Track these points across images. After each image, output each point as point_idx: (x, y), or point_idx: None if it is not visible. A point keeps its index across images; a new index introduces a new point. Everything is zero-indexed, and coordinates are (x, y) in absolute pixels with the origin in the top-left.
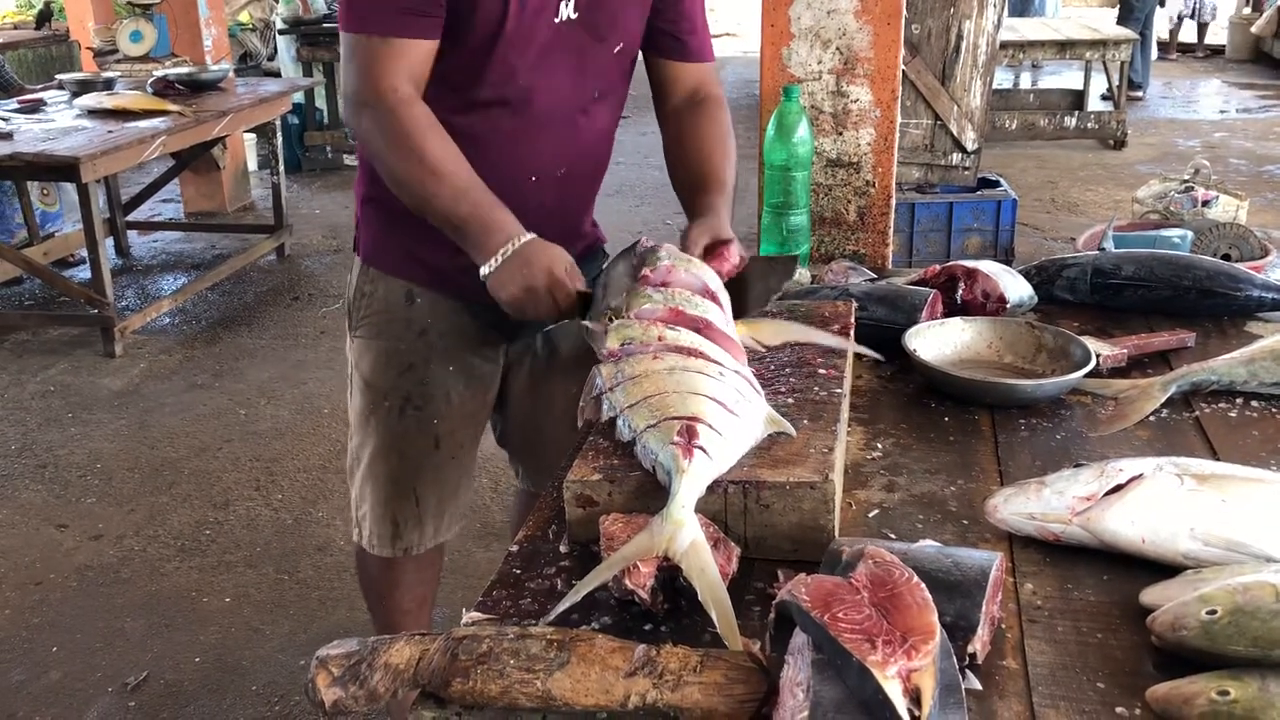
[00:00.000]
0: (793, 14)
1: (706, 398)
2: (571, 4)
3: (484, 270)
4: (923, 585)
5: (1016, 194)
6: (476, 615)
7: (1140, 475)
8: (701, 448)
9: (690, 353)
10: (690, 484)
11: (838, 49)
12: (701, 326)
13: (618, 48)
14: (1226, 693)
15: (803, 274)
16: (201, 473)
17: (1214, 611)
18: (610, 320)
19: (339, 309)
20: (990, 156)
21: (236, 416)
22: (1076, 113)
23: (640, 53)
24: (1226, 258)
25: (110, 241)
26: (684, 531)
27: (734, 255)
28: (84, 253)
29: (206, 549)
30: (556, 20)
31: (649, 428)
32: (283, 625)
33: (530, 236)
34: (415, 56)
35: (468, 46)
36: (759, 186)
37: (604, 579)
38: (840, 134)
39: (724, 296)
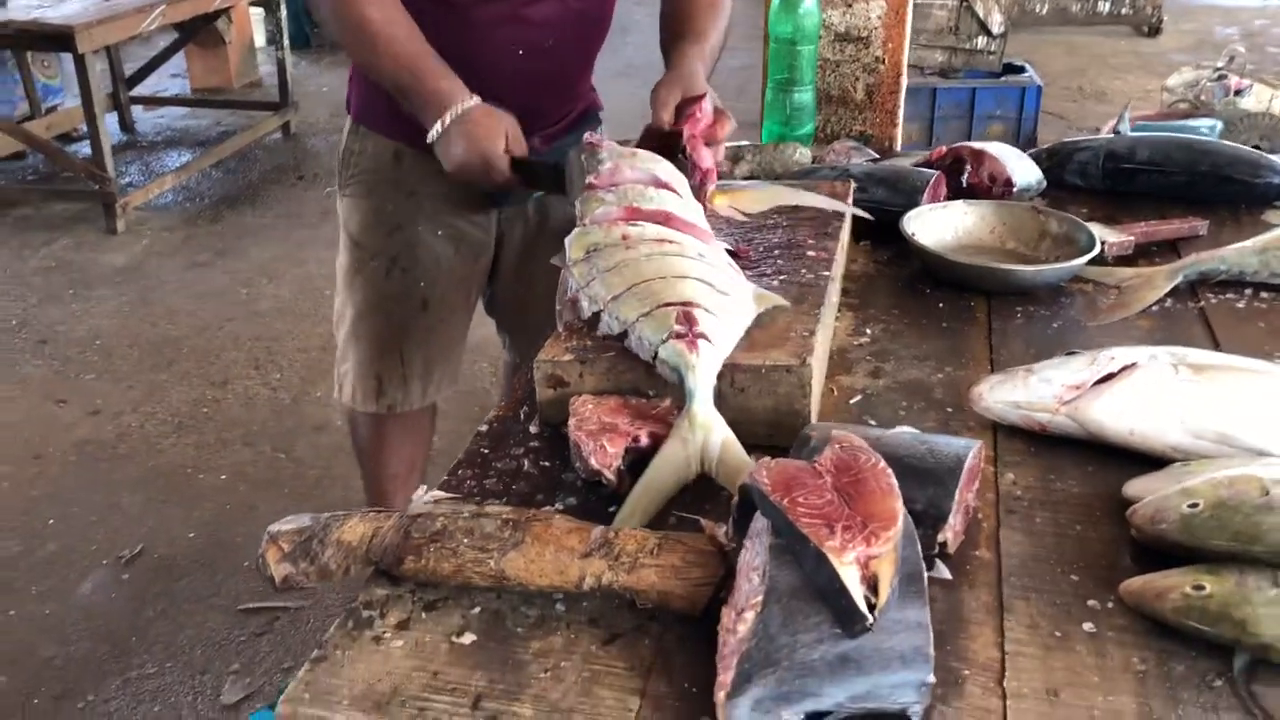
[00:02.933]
0: None
1: (694, 280)
2: None
3: (429, 139)
4: (889, 471)
5: (1043, 81)
6: (437, 493)
7: (1133, 364)
8: (703, 334)
9: (661, 241)
10: (703, 377)
11: None
12: (662, 219)
13: None
14: (1202, 587)
15: (804, 154)
16: (201, 351)
17: (1196, 505)
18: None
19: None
20: (1018, 42)
21: (238, 295)
22: None
23: None
24: (1257, 148)
25: (114, 116)
26: (714, 433)
27: (707, 112)
28: (86, 127)
29: (204, 426)
30: None
31: (641, 317)
32: (277, 503)
33: (470, 104)
34: None
35: None
36: (763, 62)
37: (651, 500)
38: (850, 6)
39: (679, 181)
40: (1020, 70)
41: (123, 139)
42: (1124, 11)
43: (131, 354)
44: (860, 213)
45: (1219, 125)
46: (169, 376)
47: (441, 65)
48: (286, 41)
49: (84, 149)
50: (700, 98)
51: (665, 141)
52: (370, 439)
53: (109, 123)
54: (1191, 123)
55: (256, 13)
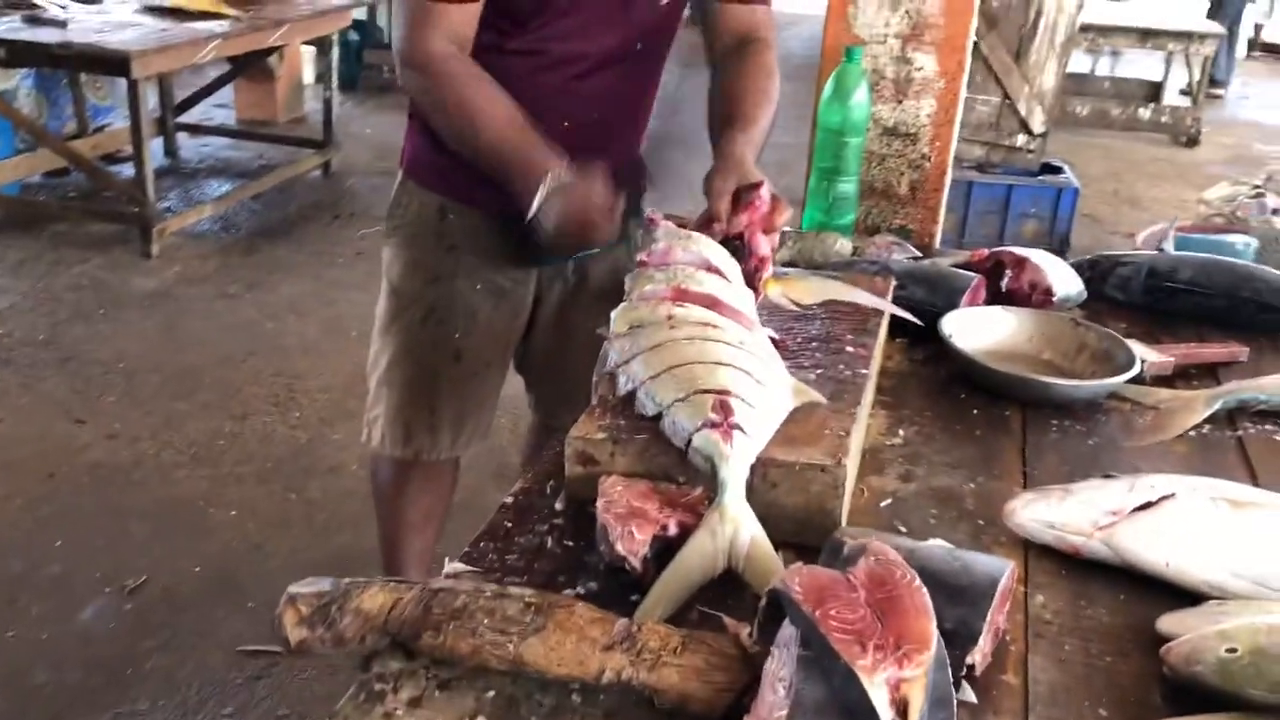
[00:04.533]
0: None
1: (733, 368)
2: None
3: (533, 208)
4: (924, 590)
5: (1080, 183)
6: (459, 566)
7: (1172, 494)
8: (739, 426)
9: (705, 325)
10: (736, 470)
11: (907, 12)
12: (709, 303)
13: (665, 0)
14: None
15: (844, 244)
16: (223, 382)
17: (1234, 649)
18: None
19: (379, 232)
20: (1057, 142)
21: (264, 329)
22: (1152, 105)
23: None
24: None
25: (159, 141)
26: (744, 529)
27: (765, 200)
28: (131, 150)
29: (219, 459)
30: None
31: (677, 401)
32: (285, 543)
33: (569, 172)
34: (459, 18)
35: (512, 3)
36: (810, 149)
37: (676, 592)
38: (900, 102)
39: (731, 268)
40: (1058, 171)
41: (165, 164)
42: (1164, 120)
43: (153, 379)
44: (909, 317)
45: (1254, 243)
46: (189, 406)
47: (538, 138)
48: (335, 82)
49: (126, 170)
50: (759, 185)
51: (724, 239)
52: (391, 485)
53: (154, 147)
54: (1227, 239)
55: (308, 51)
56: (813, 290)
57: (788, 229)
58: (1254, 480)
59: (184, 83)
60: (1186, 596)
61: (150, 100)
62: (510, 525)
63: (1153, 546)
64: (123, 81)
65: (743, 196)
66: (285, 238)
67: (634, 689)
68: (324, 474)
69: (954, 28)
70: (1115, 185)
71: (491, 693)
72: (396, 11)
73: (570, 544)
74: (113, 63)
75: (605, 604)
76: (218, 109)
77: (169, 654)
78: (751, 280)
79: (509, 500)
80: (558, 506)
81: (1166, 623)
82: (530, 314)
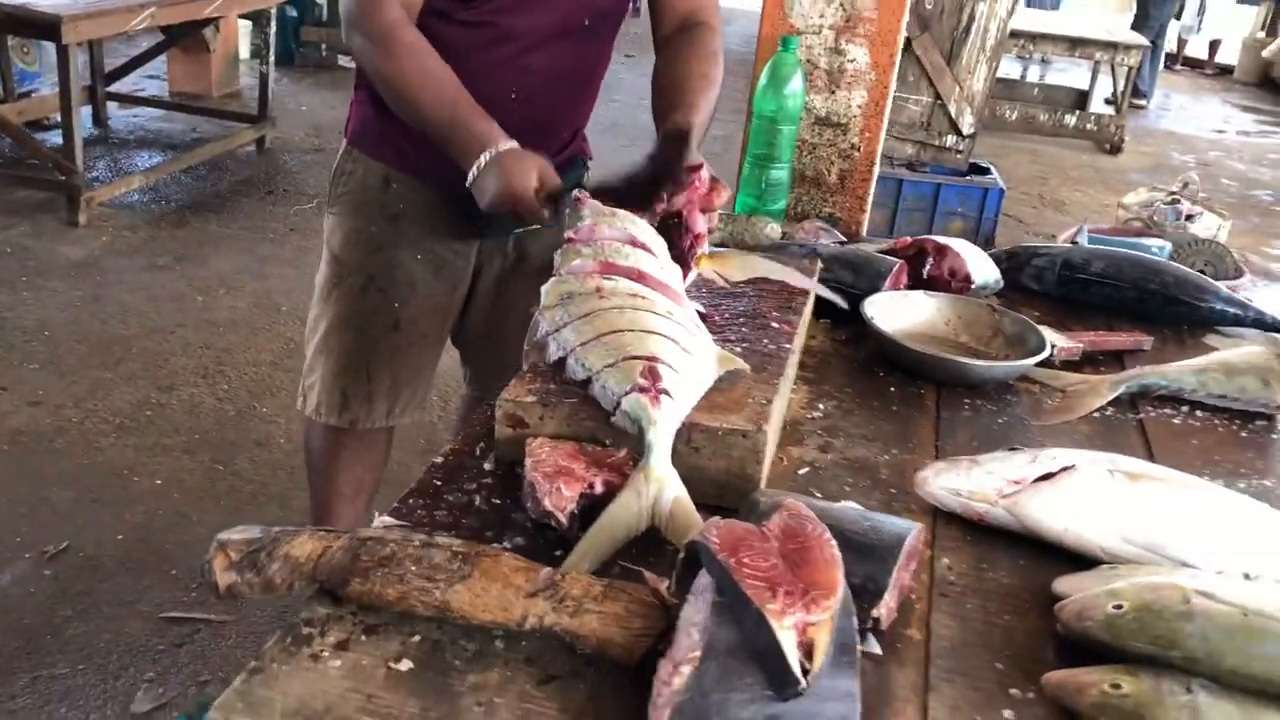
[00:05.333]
0: None
1: (661, 336)
2: None
3: (469, 178)
4: (833, 542)
5: (1006, 185)
6: (388, 520)
7: (1073, 466)
8: (666, 390)
9: (633, 296)
10: (663, 433)
11: (841, 5)
12: (635, 276)
13: None
14: (1119, 686)
15: (774, 229)
16: (150, 353)
17: (1120, 606)
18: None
19: (311, 209)
20: (986, 144)
21: (193, 302)
22: (1078, 112)
23: None
24: (1202, 273)
25: (88, 110)
26: (667, 489)
27: (705, 181)
28: (59, 117)
29: (144, 429)
30: None
31: (607, 366)
32: (211, 514)
33: (508, 146)
34: None
35: None
36: (744, 138)
37: (600, 548)
38: (833, 92)
39: (656, 243)
40: (985, 171)
41: (94, 133)
42: (1089, 127)
43: (79, 348)
44: (834, 297)
45: (1168, 246)
46: (115, 375)
47: (480, 110)
48: (272, 57)
49: (53, 138)
50: (699, 166)
51: (663, 216)
52: (325, 453)
53: (83, 116)
54: (1144, 241)
55: (245, 25)
56: (743, 267)
57: (722, 211)
58: (1150, 458)
59: (116, 52)
60: (1083, 561)
61: (81, 68)
62: (439, 484)
63: (1052, 514)
64: (51, 49)
65: (682, 178)
66: (217, 212)
67: (556, 635)
68: (252, 447)
69: (886, 22)
70: (1040, 188)
71: (417, 638)
72: None
73: (498, 502)
74: (43, 26)
75: (532, 559)
76: (150, 80)
77: (89, 620)
78: (685, 256)
79: (439, 460)
80: (486, 467)
81: (1062, 584)
82: (469, 287)
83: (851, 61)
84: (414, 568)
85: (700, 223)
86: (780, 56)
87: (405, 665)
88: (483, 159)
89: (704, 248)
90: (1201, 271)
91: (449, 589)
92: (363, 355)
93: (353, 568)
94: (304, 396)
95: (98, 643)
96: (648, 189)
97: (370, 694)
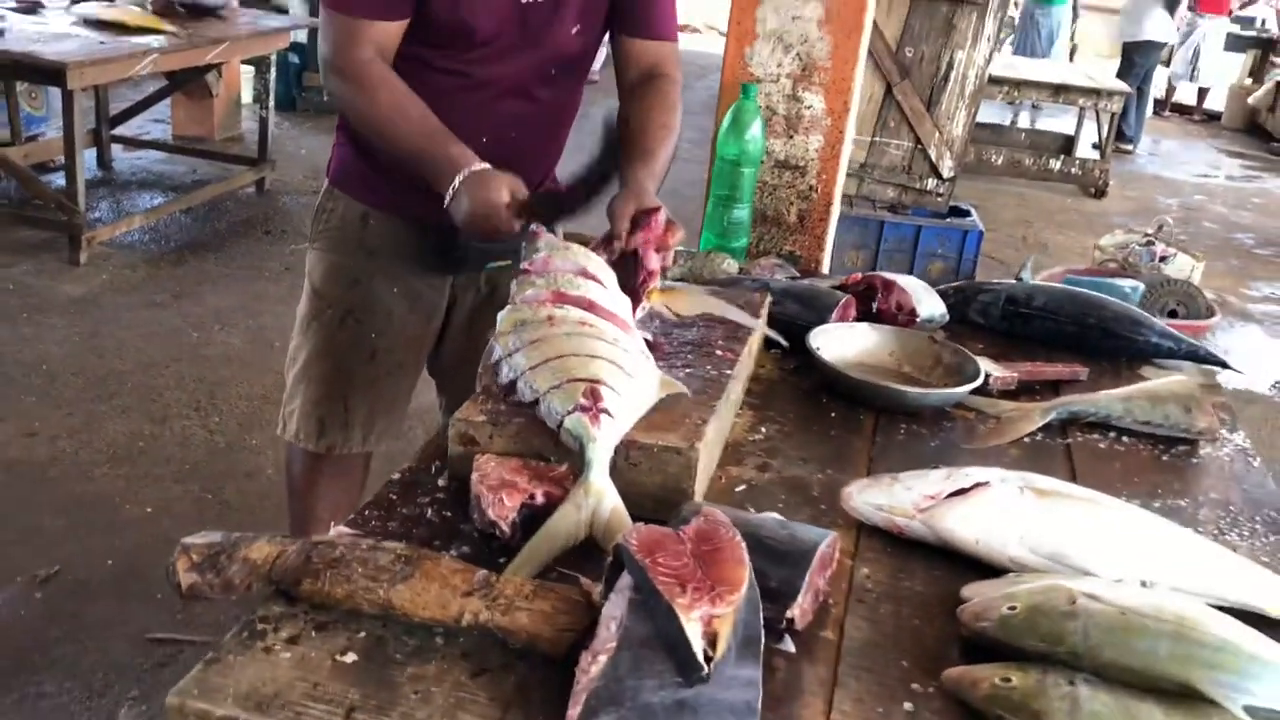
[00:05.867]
0: (759, 15)
1: (605, 360)
2: None
3: (445, 199)
4: (743, 544)
5: (990, 228)
6: (343, 530)
7: (986, 482)
8: (606, 410)
9: (582, 324)
10: (602, 450)
11: (798, 54)
12: (585, 305)
13: (575, 29)
14: (1009, 680)
15: (731, 264)
16: (144, 387)
17: (1014, 607)
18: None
19: (307, 249)
20: (973, 188)
21: (188, 338)
22: (1063, 157)
23: (610, 30)
24: (1174, 313)
25: (93, 153)
26: (605, 501)
27: (660, 222)
28: (64, 159)
29: (137, 460)
30: (522, 1)
31: (552, 389)
32: None
33: (480, 167)
34: (384, 34)
35: (434, 21)
36: (708, 179)
37: (541, 555)
38: (791, 137)
39: (606, 275)
40: (965, 213)
41: (98, 175)
42: (1074, 171)
43: (75, 382)
44: (774, 335)
45: (1141, 287)
46: (109, 408)
47: (452, 136)
48: (272, 102)
49: (58, 180)
50: (656, 209)
51: (622, 256)
52: (303, 477)
53: (87, 158)
54: (1118, 282)
55: (247, 70)
56: (692, 304)
57: (681, 248)
58: (1074, 480)
59: (122, 96)
60: (993, 570)
61: (86, 112)
62: (395, 497)
63: (964, 526)
64: (58, 93)
65: (640, 219)
66: (215, 251)
67: (490, 631)
68: (241, 477)
69: (840, 71)
70: (1024, 231)
71: (362, 633)
72: (324, 24)
73: (448, 514)
74: (48, 72)
75: (476, 565)
76: (154, 124)
77: (77, 641)
78: (638, 290)
79: (396, 477)
80: (440, 483)
81: (969, 590)
82: (444, 320)
83: (809, 108)
84: (360, 569)
85: (654, 260)
86: (741, 103)
87: (350, 658)
88: (457, 180)
89: (656, 283)
90: (1173, 312)
91: (391, 588)
92: (340, 384)
93: (305, 569)
94: (284, 422)
95: (84, 662)
96: (585, 190)
97: (316, 682)
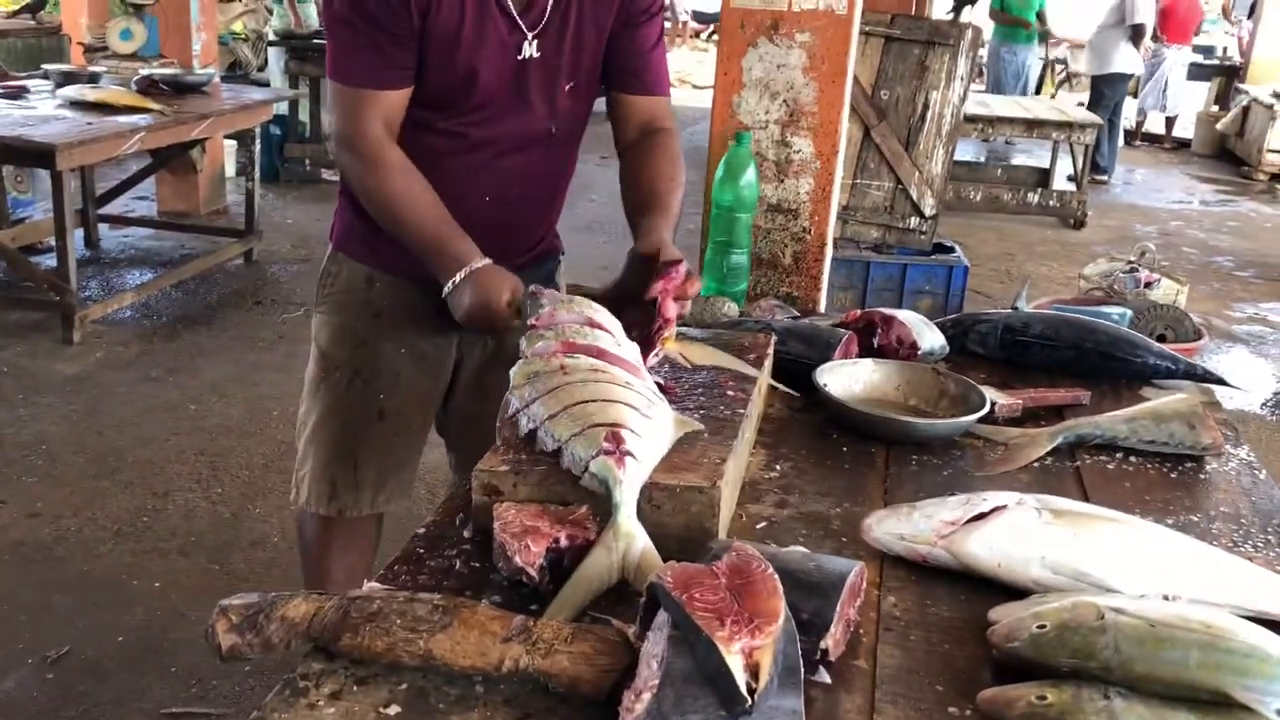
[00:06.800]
0: (745, 64)
1: (622, 404)
2: (535, 44)
3: (444, 292)
4: (776, 577)
5: (973, 262)
6: (375, 585)
7: (1003, 506)
8: (630, 453)
9: (595, 371)
10: (628, 491)
11: (785, 101)
12: (595, 353)
13: (569, 85)
14: (1044, 697)
15: (731, 307)
16: (145, 462)
17: (1044, 626)
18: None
19: (299, 316)
20: (954, 225)
21: (186, 411)
22: (1040, 190)
23: (605, 88)
24: (1162, 338)
25: (80, 233)
26: (635, 543)
27: (681, 273)
28: (53, 241)
29: (142, 535)
30: (520, 58)
31: (574, 435)
32: (208, 612)
33: (482, 264)
34: (389, 104)
35: (433, 84)
36: (704, 226)
37: (576, 599)
38: (782, 181)
39: (612, 323)
40: (949, 250)
41: (86, 254)
42: (1051, 204)
43: (76, 460)
44: (783, 387)
45: (1128, 313)
46: (111, 484)
47: (457, 229)
48: (258, 174)
49: (46, 261)
50: (678, 261)
51: (640, 304)
52: (316, 542)
53: (75, 239)
54: (1105, 309)
55: (230, 144)
56: (705, 355)
57: None
58: (1086, 501)
59: (106, 176)
60: (1017, 593)
61: (71, 191)
62: (422, 551)
63: (985, 550)
64: (42, 175)
65: (662, 269)
66: (207, 324)
67: (530, 676)
68: (247, 547)
69: (827, 114)
70: (1008, 264)
71: (404, 685)
72: (332, 97)
73: (476, 565)
74: (38, 155)
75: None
76: (139, 201)
77: None
78: (653, 337)
79: (421, 531)
80: (465, 534)
81: (996, 613)
82: (451, 378)
83: (798, 152)
84: (399, 621)
85: (671, 309)
86: (734, 151)
87: (394, 710)
88: (459, 276)
89: (671, 331)
90: (1161, 336)
91: (431, 639)
92: (349, 445)
93: (344, 624)
94: (296, 488)
95: None
96: (621, 304)
97: None
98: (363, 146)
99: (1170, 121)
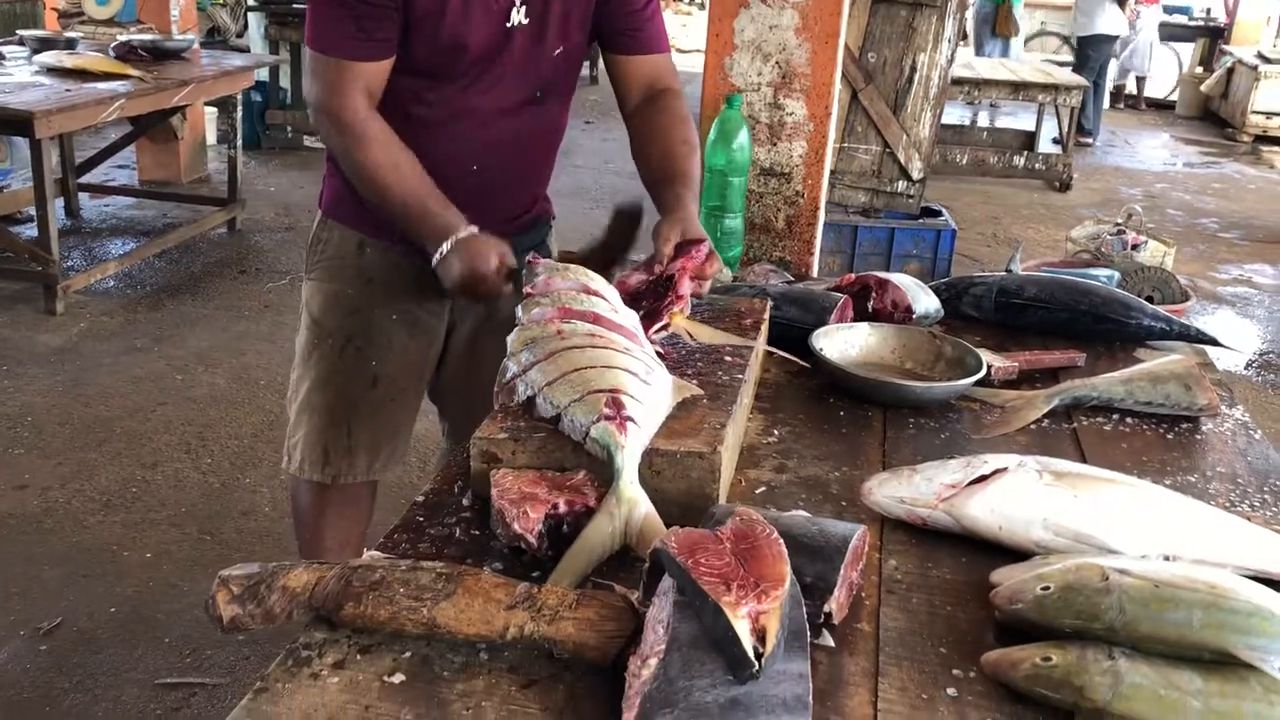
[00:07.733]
0: (737, 26)
1: (621, 370)
2: (523, 10)
3: (433, 262)
4: (780, 541)
5: (960, 226)
6: (375, 554)
7: (1003, 468)
8: (630, 418)
9: (592, 336)
10: (630, 456)
11: (777, 63)
12: (591, 318)
13: (558, 50)
14: (1049, 659)
15: (726, 272)
16: (133, 433)
17: (1048, 587)
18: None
19: (285, 285)
20: (940, 189)
21: (173, 381)
22: (1026, 153)
23: (601, 52)
24: (1150, 299)
25: (61, 202)
26: (638, 508)
27: (703, 253)
28: (33, 210)
29: (131, 505)
30: (508, 25)
31: (574, 401)
32: (200, 582)
33: (468, 233)
34: (371, 74)
35: (420, 54)
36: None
37: (579, 566)
38: (775, 144)
39: (609, 291)
40: (937, 214)
41: (67, 224)
42: (1037, 167)
43: (63, 432)
44: (783, 354)
45: (1116, 275)
46: (99, 455)
47: (443, 199)
48: (240, 141)
49: (27, 231)
50: (701, 240)
51: (662, 279)
52: (310, 508)
53: (56, 208)
54: (1092, 271)
55: (211, 112)
56: (713, 335)
57: None
58: (1084, 463)
59: (85, 145)
60: (1019, 555)
61: (51, 160)
62: (422, 519)
63: (986, 513)
64: (21, 144)
65: (683, 247)
66: (191, 293)
67: (535, 643)
68: (237, 517)
69: (820, 76)
70: (994, 227)
71: (408, 653)
72: (310, 66)
73: (476, 533)
74: (16, 123)
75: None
76: (120, 170)
77: (86, 691)
78: (662, 310)
79: (420, 499)
80: (465, 502)
81: (998, 575)
82: (444, 344)
83: (790, 115)
84: (402, 589)
85: (686, 286)
86: (726, 114)
87: (398, 678)
88: (446, 245)
89: (684, 307)
90: (1149, 297)
91: (435, 606)
92: (343, 412)
93: (346, 593)
94: (289, 455)
95: (95, 713)
96: (604, 259)
97: (368, 705)
98: (345, 118)
99: (1140, 82)
